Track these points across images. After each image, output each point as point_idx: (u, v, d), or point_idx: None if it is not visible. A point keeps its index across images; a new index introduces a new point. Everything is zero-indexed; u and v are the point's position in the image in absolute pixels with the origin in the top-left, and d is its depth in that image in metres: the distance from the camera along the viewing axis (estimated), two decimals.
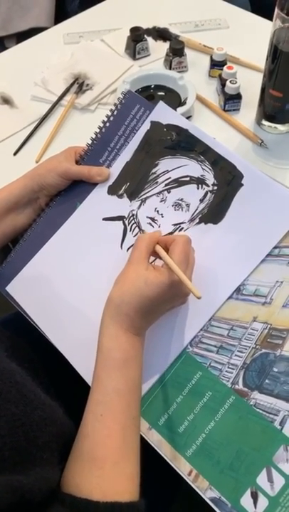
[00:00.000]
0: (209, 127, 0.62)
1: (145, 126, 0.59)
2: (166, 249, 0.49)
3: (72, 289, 0.57)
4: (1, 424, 0.36)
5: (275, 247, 0.51)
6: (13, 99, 0.88)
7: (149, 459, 0.46)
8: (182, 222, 0.56)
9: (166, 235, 0.55)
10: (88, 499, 0.39)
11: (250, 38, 0.98)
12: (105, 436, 0.43)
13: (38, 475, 0.37)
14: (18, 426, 0.38)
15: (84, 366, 0.54)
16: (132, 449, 0.44)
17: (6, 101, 0.87)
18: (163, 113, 0.58)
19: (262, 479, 0.44)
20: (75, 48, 0.98)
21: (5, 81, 0.92)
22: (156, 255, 0.50)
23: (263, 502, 0.44)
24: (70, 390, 0.53)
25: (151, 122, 0.59)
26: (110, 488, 0.41)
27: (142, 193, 0.58)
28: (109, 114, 0.61)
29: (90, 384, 0.52)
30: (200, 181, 0.56)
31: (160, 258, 0.50)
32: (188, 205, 0.56)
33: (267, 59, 0.71)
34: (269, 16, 1.00)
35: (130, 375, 0.46)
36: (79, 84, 0.88)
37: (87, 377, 0.53)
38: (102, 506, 0.38)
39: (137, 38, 0.93)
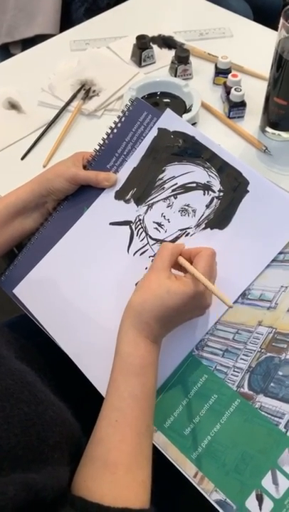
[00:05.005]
0: (214, 134, 0.63)
1: (152, 133, 0.60)
2: (190, 262, 0.49)
3: (79, 292, 0.58)
4: (14, 424, 0.37)
5: (280, 253, 0.52)
6: (20, 105, 0.89)
7: (153, 461, 0.46)
8: (188, 228, 0.57)
9: (173, 240, 0.56)
10: (99, 503, 0.39)
11: (253, 46, 1.00)
12: (119, 441, 0.43)
13: (50, 474, 0.37)
14: (31, 425, 0.38)
15: (91, 369, 0.54)
16: (145, 456, 0.44)
17: (14, 106, 0.89)
18: (170, 120, 0.59)
19: (267, 482, 0.45)
20: (81, 54, 0.99)
21: (12, 86, 0.93)
22: (178, 267, 0.50)
23: (268, 504, 0.44)
24: (76, 393, 0.53)
25: (159, 129, 0.59)
26: (122, 494, 0.41)
27: (149, 199, 0.59)
28: (117, 120, 0.61)
29: (97, 387, 0.53)
30: (206, 187, 0.57)
31: (181, 271, 0.50)
32: (194, 211, 0.57)
33: (272, 67, 0.72)
34: (271, 25, 1.02)
35: (147, 382, 0.46)
36: (86, 91, 0.89)
37: (94, 380, 0.54)
38: (112, 511, 0.38)
39: (143, 45, 0.94)
